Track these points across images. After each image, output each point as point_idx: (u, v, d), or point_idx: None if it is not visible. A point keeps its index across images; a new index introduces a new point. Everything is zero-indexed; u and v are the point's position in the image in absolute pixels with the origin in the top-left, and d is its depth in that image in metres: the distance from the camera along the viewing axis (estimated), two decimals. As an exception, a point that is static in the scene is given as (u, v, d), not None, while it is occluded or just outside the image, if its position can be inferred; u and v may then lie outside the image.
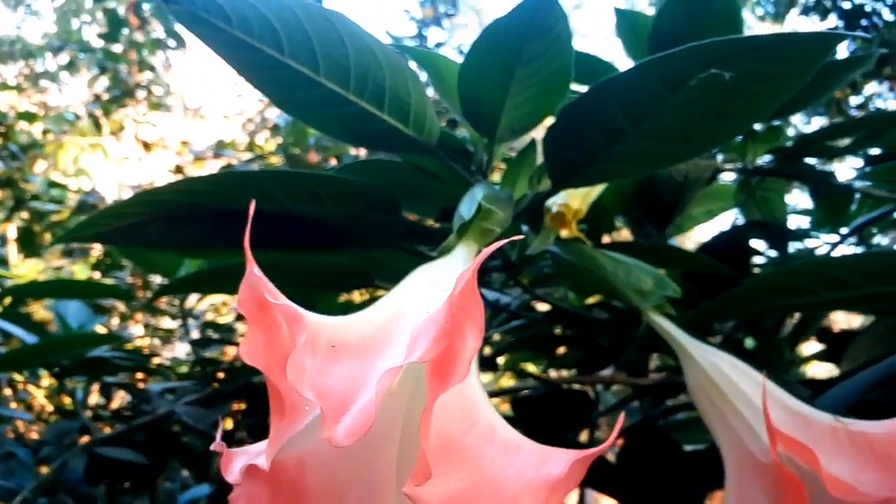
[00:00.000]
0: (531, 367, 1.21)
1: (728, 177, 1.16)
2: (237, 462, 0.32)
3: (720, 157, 1.01)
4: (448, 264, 0.42)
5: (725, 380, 0.51)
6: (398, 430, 0.34)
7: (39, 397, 1.50)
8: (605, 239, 0.99)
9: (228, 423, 1.43)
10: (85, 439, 1.09)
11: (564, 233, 0.69)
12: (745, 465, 0.47)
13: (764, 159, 1.01)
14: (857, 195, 1.06)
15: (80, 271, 1.88)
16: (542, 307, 0.96)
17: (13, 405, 1.58)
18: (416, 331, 0.28)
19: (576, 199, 0.69)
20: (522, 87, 0.54)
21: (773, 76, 0.43)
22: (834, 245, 1.07)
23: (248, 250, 0.31)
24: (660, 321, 0.58)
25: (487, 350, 1.14)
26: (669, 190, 0.92)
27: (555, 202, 0.69)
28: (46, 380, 1.57)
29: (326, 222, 0.65)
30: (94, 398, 1.32)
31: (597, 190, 0.72)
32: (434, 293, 0.36)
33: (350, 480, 0.32)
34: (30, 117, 2.31)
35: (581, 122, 0.49)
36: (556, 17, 0.48)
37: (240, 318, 1.14)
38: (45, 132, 2.41)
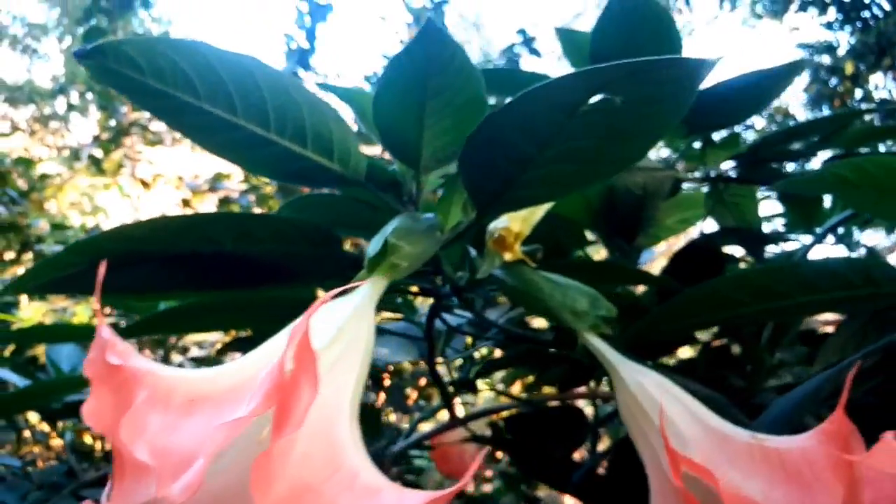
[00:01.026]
0: (516, 388, 1.21)
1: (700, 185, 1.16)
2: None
3: (681, 166, 1.01)
4: (348, 303, 0.42)
5: (649, 400, 0.51)
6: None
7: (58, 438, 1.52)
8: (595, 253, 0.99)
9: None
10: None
11: (508, 256, 0.69)
12: (663, 485, 0.47)
13: (730, 164, 1.01)
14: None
15: (81, 312, 1.91)
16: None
17: (35, 448, 1.60)
18: (256, 384, 0.28)
19: (516, 222, 0.69)
20: (437, 118, 0.55)
21: (657, 98, 0.43)
22: (809, 246, 1.06)
23: (99, 309, 0.31)
24: (593, 341, 0.58)
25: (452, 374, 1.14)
26: (629, 203, 0.92)
27: (496, 226, 0.69)
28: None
29: (269, 260, 0.66)
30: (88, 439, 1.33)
31: (539, 212, 0.72)
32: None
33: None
34: (27, 163, 2.36)
35: (488, 150, 0.50)
36: (453, 51, 0.48)
37: (223, 352, 1.16)
38: (42, 177, 2.46)
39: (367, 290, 0.44)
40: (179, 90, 0.54)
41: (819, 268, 0.55)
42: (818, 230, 1.08)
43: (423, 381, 1.85)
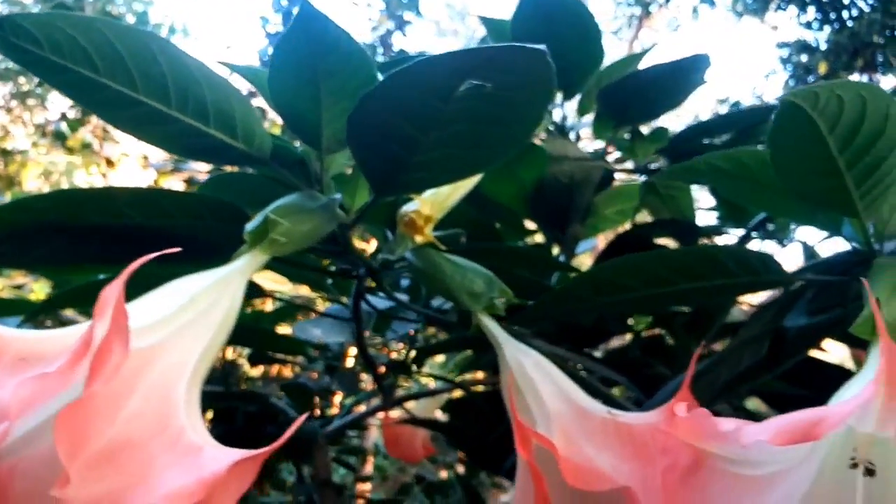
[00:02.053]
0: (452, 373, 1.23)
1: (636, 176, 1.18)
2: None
3: (612, 158, 1.03)
4: (212, 274, 0.44)
5: (524, 377, 0.52)
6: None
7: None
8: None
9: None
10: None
11: (419, 238, 0.71)
12: (525, 469, 0.48)
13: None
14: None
15: (39, 289, 1.90)
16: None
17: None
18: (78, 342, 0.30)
19: (426, 206, 0.70)
20: (334, 99, 0.56)
21: (521, 85, 0.44)
22: (741, 239, 1.09)
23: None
24: (485, 321, 0.60)
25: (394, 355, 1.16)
26: (558, 192, 0.94)
27: (407, 209, 0.71)
28: None
29: (180, 235, 0.67)
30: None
31: (452, 197, 0.74)
32: (162, 300, 0.38)
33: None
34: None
35: (373, 132, 0.51)
36: (337, 35, 0.50)
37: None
38: (3, 152, 2.43)
39: (239, 264, 0.45)
40: (79, 65, 0.55)
41: (703, 256, 0.57)
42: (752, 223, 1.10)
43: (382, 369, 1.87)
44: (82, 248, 0.67)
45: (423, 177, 0.57)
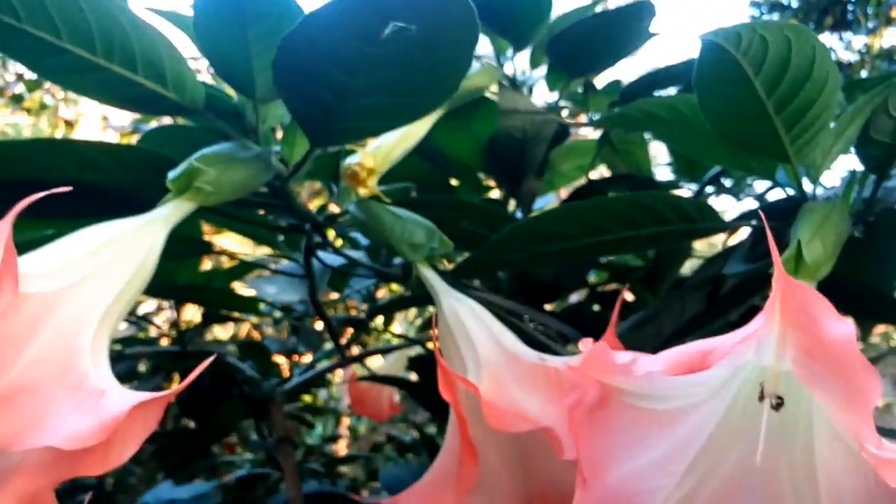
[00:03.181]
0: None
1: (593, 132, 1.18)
2: None
3: (566, 113, 1.02)
4: (129, 222, 0.43)
5: (458, 325, 0.52)
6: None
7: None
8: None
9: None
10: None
11: (363, 191, 0.70)
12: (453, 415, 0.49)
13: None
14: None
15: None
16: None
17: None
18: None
19: (369, 158, 0.70)
20: (264, 45, 0.55)
21: (445, 27, 0.43)
22: (695, 194, 1.09)
23: None
24: (424, 271, 0.59)
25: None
26: (511, 147, 0.93)
27: (350, 161, 0.70)
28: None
29: (116, 190, 0.66)
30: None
31: (398, 149, 0.73)
32: (72, 245, 0.37)
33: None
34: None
35: (300, 77, 0.50)
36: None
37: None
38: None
39: (160, 212, 0.45)
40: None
41: (639, 204, 0.57)
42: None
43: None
44: (13, 205, 0.65)
45: (358, 125, 0.56)
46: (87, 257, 0.38)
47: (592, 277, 1.24)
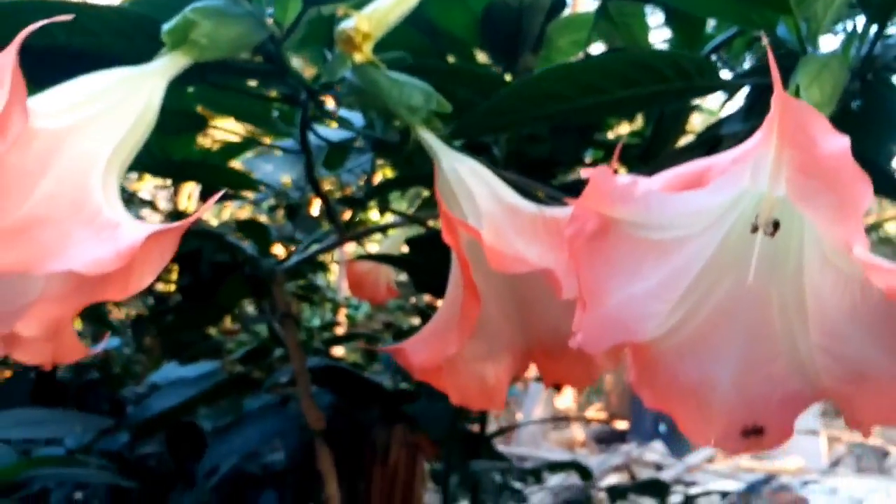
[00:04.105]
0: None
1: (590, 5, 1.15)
2: None
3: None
4: (127, 71, 0.43)
5: (459, 182, 0.53)
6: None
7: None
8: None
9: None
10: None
11: (358, 57, 0.69)
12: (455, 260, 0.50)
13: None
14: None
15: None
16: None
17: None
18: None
19: (364, 22, 0.68)
20: None
21: None
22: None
23: None
24: (423, 134, 0.60)
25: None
26: (507, 18, 0.92)
27: (345, 26, 0.68)
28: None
29: (106, 55, 0.65)
30: None
31: (393, 13, 0.71)
32: (74, 89, 0.38)
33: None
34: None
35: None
36: None
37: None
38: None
39: (157, 63, 0.44)
40: None
41: (637, 62, 0.57)
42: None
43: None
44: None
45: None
46: (91, 100, 0.38)
47: (588, 158, 1.24)
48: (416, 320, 2.46)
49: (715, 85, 0.58)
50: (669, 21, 1.09)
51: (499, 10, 0.90)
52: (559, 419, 7.97)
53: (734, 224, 0.39)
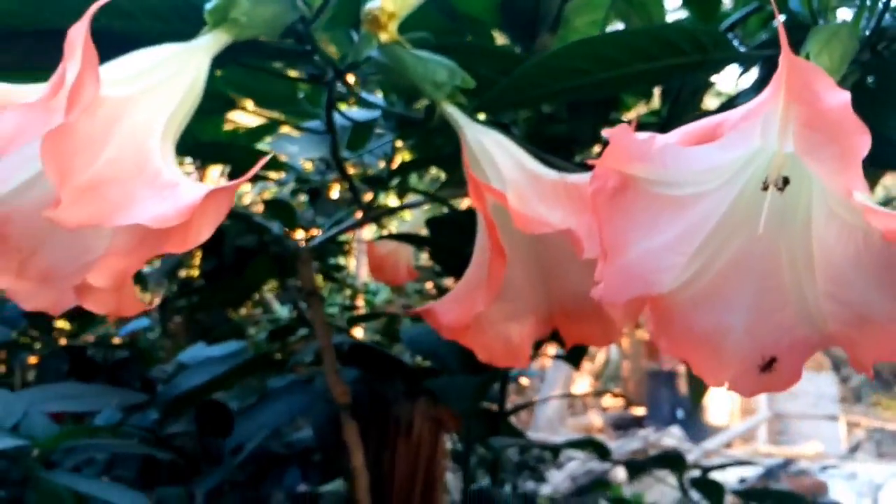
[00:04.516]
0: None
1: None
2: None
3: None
4: (176, 47, 0.46)
5: (483, 152, 0.56)
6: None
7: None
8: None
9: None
10: None
11: (384, 36, 0.72)
12: (482, 221, 0.53)
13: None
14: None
15: None
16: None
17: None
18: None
19: (389, 2, 0.71)
20: None
21: None
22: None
23: None
24: (448, 108, 0.62)
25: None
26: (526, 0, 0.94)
27: (371, 6, 0.71)
28: None
29: (144, 38, 0.68)
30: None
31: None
32: (127, 64, 0.40)
33: (49, 228, 0.38)
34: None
35: None
36: None
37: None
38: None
39: (201, 40, 0.47)
40: None
41: (655, 36, 0.59)
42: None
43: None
44: (46, 53, 0.67)
45: (381, -39, 0.57)
46: (146, 73, 0.41)
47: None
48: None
49: (730, 57, 0.60)
50: (686, 1, 1.10)
51: (517, -9, 0.92)
52: (590, 394, 7.96)
53: (747, 181, 0.41)
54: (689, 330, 0.42)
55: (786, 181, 0.39)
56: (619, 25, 1.18)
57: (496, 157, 0.54)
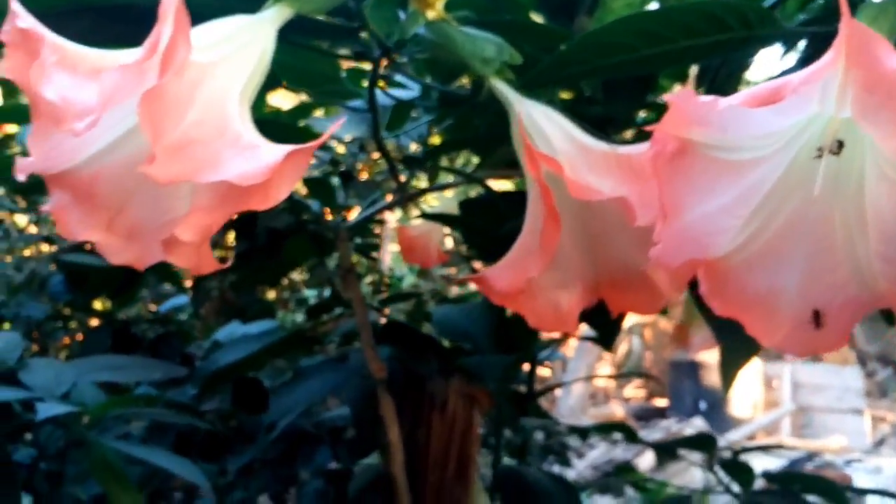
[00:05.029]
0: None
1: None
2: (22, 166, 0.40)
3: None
4: (246, 18, 0.48)
5: (533, 125, 0.57)
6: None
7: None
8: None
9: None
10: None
11: (431, 14, 0.73)
12: (533, 191, 0.54)
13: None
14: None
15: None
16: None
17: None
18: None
19: (438, -19, 0.72)
20: None
21: None
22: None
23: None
24: (496, 84, 0.64)
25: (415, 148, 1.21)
26: (568, -23, 0.95)
27: (419, -16, 0.73)
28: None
29: (206, 15, 0.70)
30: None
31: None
32: (202, 33, 0.43)
33: (137, 187, 0.40)
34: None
35: None
36: None
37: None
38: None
39: (266, 13, 0.49)
40: None
41: (699, 11, 0.60)
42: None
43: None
44: (107, 28, 0.69)
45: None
46: (221, 42, 0.43)
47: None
48: (455, 289, 2.50)
49: (776, 33, 0.61)
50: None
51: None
52: (616, 377, 7.92)
53: (803, 145, 0.43)
54: (742, 291, 0.43)
55: (840, 145, 0.40)
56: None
57: (546, 129, 0.56)
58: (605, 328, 1.37)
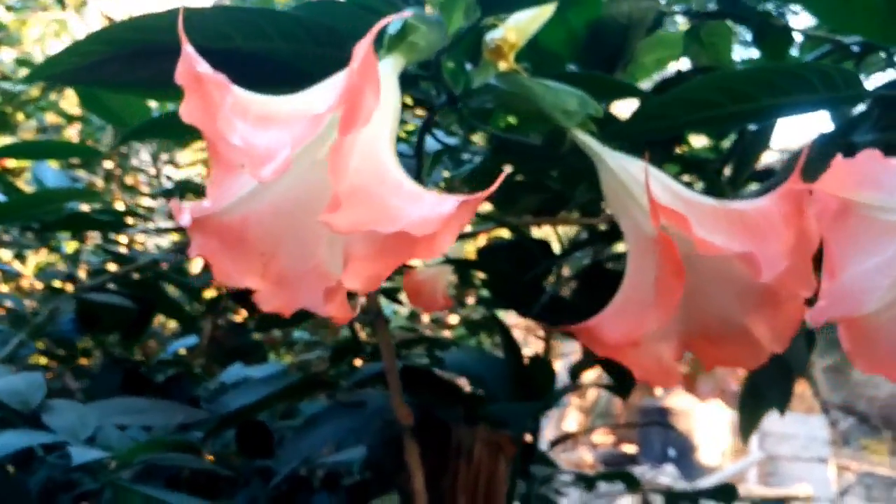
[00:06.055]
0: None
1: (673, 26, 1.20)
2: (186, 211, 0.39)
3: (664, 1, 1.05)
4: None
5: (629, 176, 0.58)
6: (327, 194, 0.41)
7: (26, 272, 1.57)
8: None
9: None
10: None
11: (503, 65, 0.74)
12: (641, 243, 0.55)
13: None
14: (800, 36, 1.10)
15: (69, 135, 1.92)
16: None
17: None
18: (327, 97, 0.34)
19: (512, 32, 0.73)
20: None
21: None
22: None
23: (184, 34, 0.36)
24: (581, 136, 0.64)
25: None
26: (613, 33, 0.97)
27: (493, 36, 0.73)
28: (33, 258, 1.64)
29: (276, 59, 0.70)
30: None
31: (534, 24, 0.77)
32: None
33: (286, 232, 0.39)
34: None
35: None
36: None
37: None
38: (8, 8, 2.36)
39: (389, 64, 0.49)
40: None
41: (785, 72, 0.62)
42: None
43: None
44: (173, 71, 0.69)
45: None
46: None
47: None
48: (447, 333, 2.49)
49: (860, 95, 0.62)
50: (757, 41, 1.14)
51: (607, 27, 0.95)
52: (622, 425, 7.88)
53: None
54: (891, 348, 0.44)
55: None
56: (684, 64, 1.22)
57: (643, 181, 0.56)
58: (622, 377, 1.37)
